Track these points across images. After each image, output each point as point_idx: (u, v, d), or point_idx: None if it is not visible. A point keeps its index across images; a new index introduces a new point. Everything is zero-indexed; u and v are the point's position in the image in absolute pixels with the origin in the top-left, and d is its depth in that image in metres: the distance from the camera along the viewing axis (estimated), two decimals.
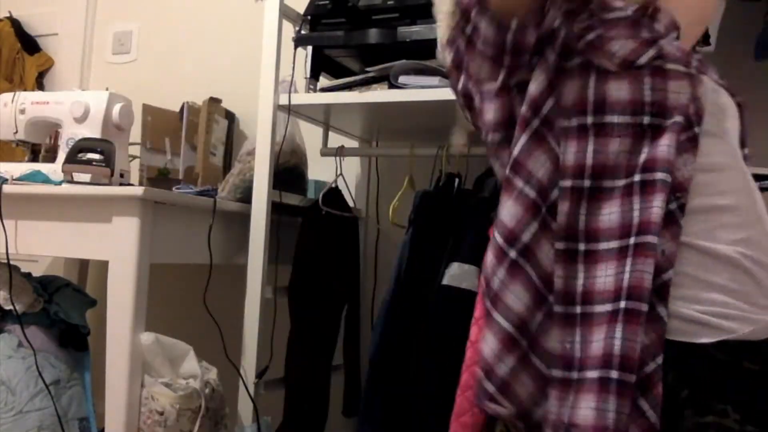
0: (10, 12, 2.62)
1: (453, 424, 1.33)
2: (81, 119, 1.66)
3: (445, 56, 1.02)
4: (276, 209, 1.66)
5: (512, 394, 0.87)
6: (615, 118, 0.86)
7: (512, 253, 0.87)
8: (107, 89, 1.70)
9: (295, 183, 1.80)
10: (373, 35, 1.55)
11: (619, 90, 0.86)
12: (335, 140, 1.92)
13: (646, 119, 0.86)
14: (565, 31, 0.88)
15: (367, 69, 1.59)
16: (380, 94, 1.54)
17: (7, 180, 1.57)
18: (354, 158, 2.08)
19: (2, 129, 1.79)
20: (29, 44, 2.59)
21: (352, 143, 2.03)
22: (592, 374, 0.82)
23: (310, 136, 1.93)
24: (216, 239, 1.61)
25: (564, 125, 0.88)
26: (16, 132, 1.77)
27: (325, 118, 1.82)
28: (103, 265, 1.48)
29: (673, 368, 0.81)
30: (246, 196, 1.68)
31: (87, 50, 2.57)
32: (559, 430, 0.84)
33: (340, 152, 1.76)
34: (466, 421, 1.31)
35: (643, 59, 0.86)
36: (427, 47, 1.51)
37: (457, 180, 1.56)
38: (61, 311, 1.68)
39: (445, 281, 1.42)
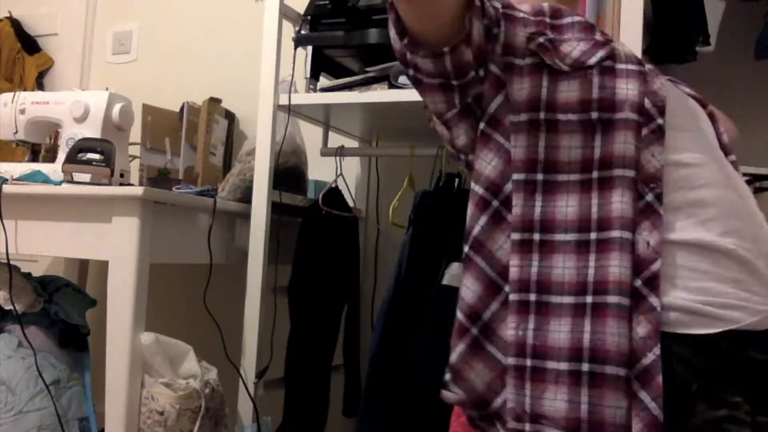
0: (10, 12, 2.62)
1: (453, 423, 1.33)
2: (81, 119, 1.66)
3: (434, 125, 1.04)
4: (276, 209, 1.66)
5: (463, 381, 0.90)
6: (565, 116, 0.89)
7: (465, 248, 0.92)
8: (107, 89, 1.70)
9: (295, 183, 1.80)
10: (373, 35, 1.55)
11: (569, 90, 0.89)
12: (335, 140, 1.92)
13: (594, 114, 0.88)
14: (506, 33, 0.91)
15: (367, 69, 1.59)
16: (380, 94, 1.54)
17: (7, 180, 1.57)
18: (354, 158, 2.08)
19: (2, 129, 1.79)
20: (29, 44, 2.59)
21: (352, 143, 2.03)
22: (558, 366, 0.83)
23: (310, 136, 1.93)
24: (216, 239, 1.61)
25: (514, 120, 0.90)
26: (16, 132, 1.77)
27: (325, 118, 1.82)
28: (103, 265, 1.48)
29: (680, 361, 0.81)
30: (246, 196, 1.68)
31: (87, 50, 2.57)
32: (522, 419, 0.85)
33: (340, 152, 1.76)
34: (467, 421, 1.32)
35: (592, 60, 0.89)
36: None
37: (457, 180, 1.56)
38: (61, 311, 1.68)
39: (445, 281, 1.42)
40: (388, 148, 2.04)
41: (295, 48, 1.66)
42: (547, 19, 0.94)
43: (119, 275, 1.44)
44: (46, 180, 1.61)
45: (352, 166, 2.08)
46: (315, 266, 1.69)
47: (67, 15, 2.60)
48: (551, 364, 0.84)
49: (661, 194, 0.86)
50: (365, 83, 1.59)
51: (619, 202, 0.84)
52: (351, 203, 1.88)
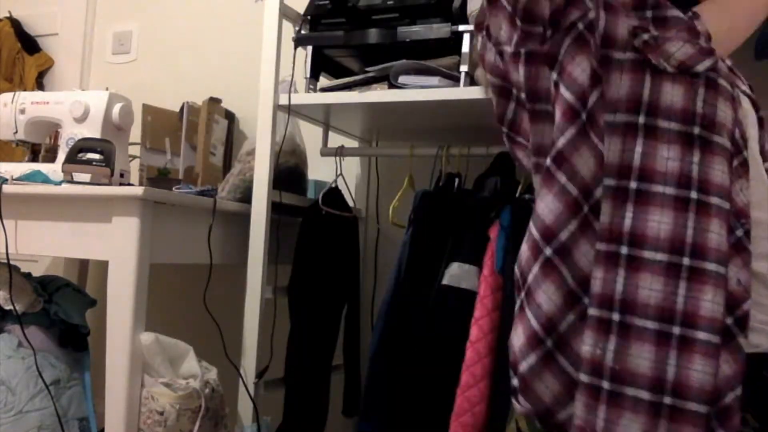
0: (10, 12, 2.62)
1: (453, 424, 1.33)
2: (81, 119, 1.66)
3: (477, 40, 1.00)
4: (276, 209, 1.66)
5: (531, 391, 0.85)
6: (667, 123, 0.83)
7: (547, 251, 0.84)
8: (107, 89, 1.70)
9: (295, 183, 1.80)
10: (373, 35, 1.54)
11: (673, 95, 0.83)
12: (335, 140, 1.92)
13: (696, 129, 0.82)
14: (606, 22, 0.84)
15: (367, 69, 1.59)
16: (380, 94, 1.54)
17: (7, 180, 1.57)
18: (354, 158, 2.08)
19: (2, 129, 1.79)
20: (29, 44, 2.59)
21: (352, 143, 2.03)
22: (638, 393, 0.79)
23: (310, 136, 1.93)
24: (216, 239, 1.61)
25: (609, 120, 0.84)
26: (16, 132, 1.77)
27: (325, 118, 1.82)
28: (103, 265, 1.48)
29: None
30: (246, 196, 1.68)
31: (87, 50, 2.57)
32: None
33: (340, 152, 1.76)
34: (466, 421, 1.32)
35: (701, 67, 0.84)
36: (427, 47, 1.51)
37: (457, 180, 1.56)
38: (61, 311, 1.68)
39: (445, 281, 1.42)
40: (388, 148, 2.04)
41: (295, 48, 1.66)
42: (649, 13, 0.87)
43: (119, 275, 1.44)
44: (46, 180, 1.61)
45: (352, 166, 2.08)
46: (315, 266, 1.69)
47: (67, 15, 2.60)
48: (630, 391, 0.80)
49: (750, 231, 0.83)
50: (365, 83, 1.59)
51: (717, 234, 0.80)
52: (351, 203, 1.88)
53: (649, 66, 0.83)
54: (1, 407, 1.52)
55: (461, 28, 1.46)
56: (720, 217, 0.81)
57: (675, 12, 0.88)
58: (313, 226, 1.69)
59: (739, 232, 0.83)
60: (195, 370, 1.48)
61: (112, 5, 2.56)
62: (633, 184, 0.83)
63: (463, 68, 1.46)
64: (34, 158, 1.95)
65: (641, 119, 0.83)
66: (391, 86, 1.54)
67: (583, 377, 0.82)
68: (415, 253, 1.50)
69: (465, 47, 1.45)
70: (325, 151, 1.83)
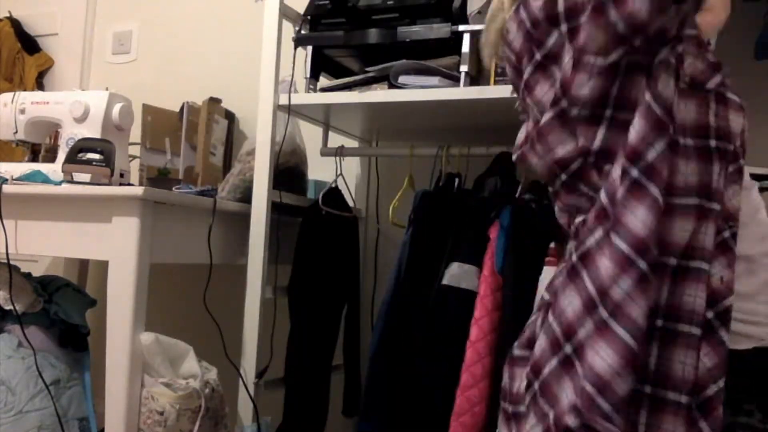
0: (10, 12, 2.62)
1: (453, 424, 1.33)
2: (81, 119, 1.66)
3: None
4: (276, 209, 1.66)
5: (624, 413, 0.82)
6: (683, 140, 0.84)
7: (642, 265, 0.81)
8: (107, 89, 1.70)
9: (295, 183, 1.80)
10: (373, 35, 1.55)
11: (687, 111, 0.84)
12: (335, 140, 1.92)
13: (713, 143, 0.85)
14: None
15: (367, 69, 1.59)
16: (380, 94, 1.54)
17: (7, 180, 1.57)
18: (354, 158, 2.08)
19: (2, 129, 1.79)
20: (29, 44, 2.59)
21: (352, 143, 2.03)
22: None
23: (310, 136, 1.93)
24: (216, 239, 1.61)
25: None
26: (16, 132, 1.77)
27: (325, 118, 1.82)
28: (103, 265, 1.48)
29: None
30: (246, 196, 1.68)
31: (87, 50, 2.57)
32: None
33: (340, 152, 1.76)
34: (466, 421, 1.32)
35: (711, 84, 0.85)
36: (427, 47, 1.51)
37: (457, 180, 1.56)
38: (61, 311, 1.68)
39: (445, 281, 1.42)
40: (388, 148, 2.04)
41: (295, 48, 1.66)
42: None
43: (119, 275, 1.44)
44: (46, 180, 1.61)
45: (352, 166, 2.08)
46: (315, 266, 1.69)
47: (67, 15, 2.60)
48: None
49: (737, 234, 0.85)
50: (365, 83, 1.59)
51: (704, 234, 0.83)
52: (351, 203, 1.88)
53: (677, 81, 0.85)
54: (1, 407, 1.52)
55: (461, 28, 1.46)
56: (713, 220, 0.83)
57: (690, 30, 0.88)
58: (313, 226, 1.69)
59: (726, 234, 0.85)
60: (195, 370, 1.48)
61: (112, 5, 2.56)
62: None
63: (463, 68, 1.46)
64: (34, 158, 1.95)
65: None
66: (391, 86, 1.54)
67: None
68: (415, 253, 1.50)
69: (465, 47, 1.45)
70: (325, 151, 1.83)
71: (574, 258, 0.89)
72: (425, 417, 1.39)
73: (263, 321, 1.62)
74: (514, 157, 1.01)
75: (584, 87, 0.89)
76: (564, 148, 0.91)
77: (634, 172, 0.84)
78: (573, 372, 0.85)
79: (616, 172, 0.87)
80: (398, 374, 1.45)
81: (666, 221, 0.84)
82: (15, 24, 2.58)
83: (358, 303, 1.85)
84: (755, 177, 1.37)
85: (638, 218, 0.83)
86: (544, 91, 0.94)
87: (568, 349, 0.87)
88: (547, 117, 0.93)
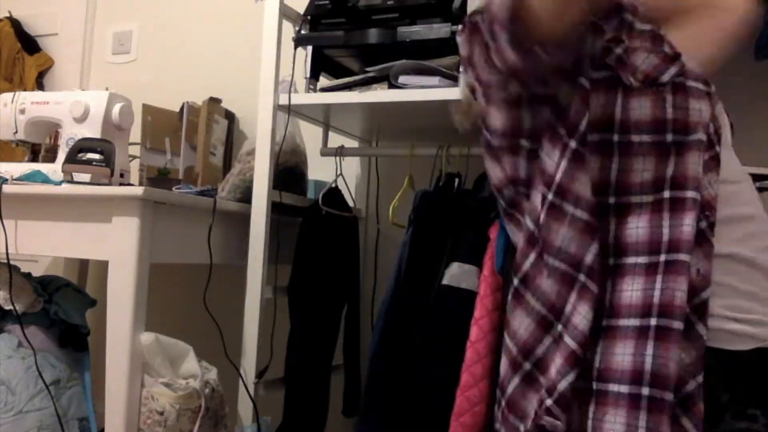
0: (10, 12, 2.62)
1: (453, 424, 1.33)
2: (81, 119, 1.66)
3: (459, 40, 1.00)
4: (276, 209, 1.66)
5: (569, 408, 0.85)
6: (639, 137, 0.85)
7: (581, 277, 0.85)
8: (107, 89, 1.70)
9: (295, 183, 1.80)
10: (373, 35, 1.54)
11: (642, 108, 0.85)
12: (335, 140, 1.92)
13: (669, 137, 0.85)
14: (592, 43, 0.86)
15: (367, 69, 1.59)
16: (380, 94, 1.54)
17: (7, 180, 1.57)
18: (354, 158, 2.08)
19: (2, 129, 1.79)
20: (29, 44, 2.59)
21: (352, 143, 2.03)
22: (619, 388, 0.81)
23: (310, 136, 1.93)
24: (216, 239, 1.61)
25: (590, 139, 0.86)
26: (16, 132, 1.77)
27: (325, 118, 1.82)
28: (103, 265, 1.48)
29: (714, 374, 0.82)
30: (246, 196, 1.68)
31: (87, 50, 2.57)
32: None
33: (340, 152, 1.76)
34: (466, 421, 1.32)
35: (665, 77, 0.85)
36: (427, 47, 1.51)
37: (457, 180, 1.56)
38: (61, 311, 1.68)
39: (445, 281, 1.42)
40: (388, 148, 2.04)
41: (295, 48, 1.66)
42: (628, 17, 0.88)
43: (119, 275, 1.44)
44: (46, 180, 1.61)
45: (352, 166, 2.08)
46: (315, 266, 1.69)
47: (67, 15, 2.60)
48: (612, 387, 0.82)
49: (714, 224, 0.85)
50: (365, 83, 1.59)
51: (689, 225, 0.82)
52: (351, 203, 1.88)
53: (620, 83, 0.86)
54: (1, 407, 1.52)
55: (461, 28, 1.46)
56: (694, 209, 0.83)
57: (642, 25, 0.89)
58: (313, 226, 1.69)
59: (703, 224, 0.85)
60: (195, 370, 1.48)
61: (112, 5, 2.56)
62: (612, 199, 0.86)
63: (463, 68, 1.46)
64: (34, 158, 1.95)
65: (615, 137, 0.86)
66: (391, 86, 1.54)
67: (578, 383, 0.85)
68: (415, 253, 1.50)
69: None
70: (325, 151, 1.83)
71: (515, 282, 0.92)
72: (425, 417, 1.39)
73: (263, 321, 1.61)
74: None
75: (495, 118, 0.92)
76: (497, 177, 0.95)
77: (550, 196, 0.87)
78: (537, 386, 0.88)
79: (537, 198, 0.89)
80: (398, 374, 1.45)
81: (623, 221, 0.85)
82: (15, 24, 2.58)
83: (358, 303, 1.85)
84: (756, 177, 1.38)
85: (562, 237, 0.86)
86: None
87: (527, 366, 0.90)
88: (482, 146, 0.97)
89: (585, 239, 0.85)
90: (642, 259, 0.84)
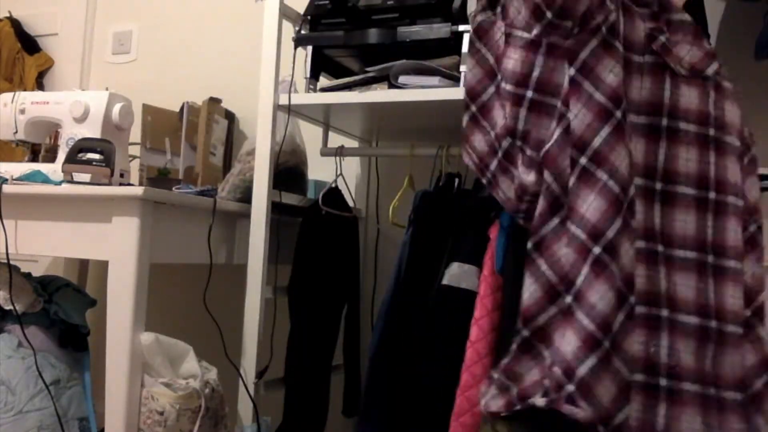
0: (10, 12, 2.62)
1: (453, 424, 1.33)
2: (81, 119, 1.66)
3: None
4: (276, 209, 1.66)
5: (592, 396, 0.83)
6: (687, 126, 0.85)
7: (596, 250, 0.83)
8: (107, 89, 1.70)
9: (295, 183, 1.80)
10: (373, 35, 1.55)
11: (690, 97, 0.85)
12: (335, 140, 1.92)
13: (711, 131, 0.86)
14: (625, 26, 0.86)
15: (367, 69, 1.59)
16: (380, 94, 1.54)
17: (7, 180, 1.57)
18: (354, 158, 2.08)
19: (2, 129, 1.79)
20: (29, 44, 2.59)
21: (352, 143, 2.03)
22: (690, 387, 0.82)
23: (310, 136, 1.93)
24: (216, 239, 1.61)
25: (633, 121, 0.86)
26: (16, 132, 1.77)
27: (325, 118, 1.82)
28: (103, 265, 1.48)
29: None
30: (246, 196, 1.68)
31: (87, 50, 2.57)
32: None
33: (340, 152, 1.76)
34: (466, 421, 1.32)
35: (710, 70, 0.87)
36: (427, 47, 1.51)
37: (457, 180, 1.56)
38: (61, 311, 1.68)
39: (445, 281, 1.42)
40: (388, 148, 2.04)
41: (295, 48, 1.66)
42: (661, 15, 0.89)
43: (119, 275, 1.44)
44: (46, 180, 1.61)
45: (352, 166, 2.08)
46: (315, 266, 1.69)
47: (67, 15, 2.60)
48: (687, 386, 0.82)
49: (762, 227, 0.85)
50: (365, 83, 1.59)
51: (734, 231, 0.83)
52: (351, 203, 1.88)
53: (668, 69, 0.86)
54: (1, 407, 1.52)
55: (461, 28, 1.46)
56: (737, 214, 0.83)
57: (680, 15, 0.89)
58: (313, 226, 1.69)
59: (753, 228, 0.86)
60: (195, 370, 1.48)
61: (112, 5, 2.56)
62: (659, 185, 0.86)
63: (463, 68, 1.46)
64: (34, 158, 1.95)
65: (664, 121, 0.85)
66: (391, 86, 1.54)
67: (639, 377, 0.84)
68: (415, 253, 1.50)
69: (465, 47, 1.45)
70: (325, 151, 1.83)
71: (529, 245, 0.90)
72: (425, 417, 1.39)
73: (263, 321, 1.62)
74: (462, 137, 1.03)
75: (510, 60, 0.91)
76: (499, 124, 0.94)
77: (583, 160, 0.85)
78: (535, 353, 0.87)
79: (564, 162, 0.87)
80: (398, 374, 1.45)
81: (670, 210, 0.85)
82: (15, 24, 2.58)
83: (358, 303, 1.86)
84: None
85: (589, 204, 0.84)
86: (477, 76, 1.00)
87: (525, 333, 0.89)
88: (490, 91, 0.95)
89: (611, 212, 0.83)
90: (691, 255, 0.84)
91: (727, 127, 0.85)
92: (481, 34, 0.99)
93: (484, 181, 0.99)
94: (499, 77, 0.94)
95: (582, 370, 0.83)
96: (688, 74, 0.86)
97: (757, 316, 0.83)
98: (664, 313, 0.83)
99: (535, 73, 0.90)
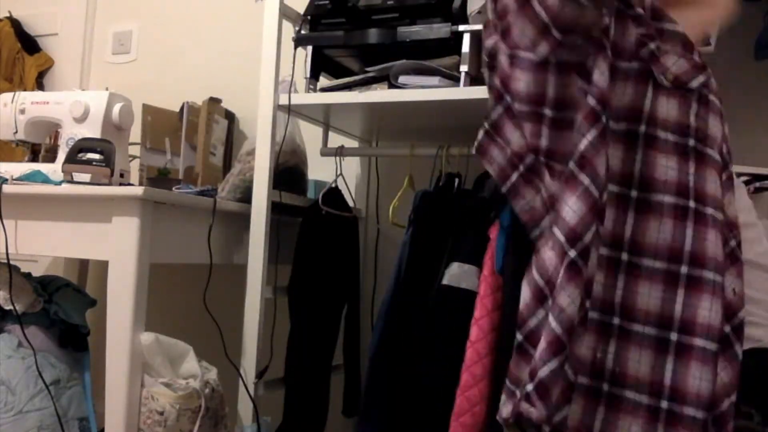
0: (10, 12, 2.62)
1: (453, 424, 1.33)
2: (81, 119, 1.66)
3: (486, 7, 0.99)
4: (276, 209, 1.66)
5: (548, 397, 0.84)
6: (665, 135, 0.85)
7: (572, 253, 0.83)
8: (107, 89, 1.70)
9: (295, 183, 1.80)
10: (373, 35, 1.55)
11: (669, 108, 0.85)
12: (335, 140, 1.92)
13: (691, 142, 0.84)
14: (615, 31, 0.86)
15: (367, 69, 1.59)
16: (380, 94, 1.54)
17: (7, 180, 1.57)
18: (354, 158, 2.08)
19: (2, 129, 1.79)
20: (29, 44, 2.59)
21: (352, 143, 2.03)
22: (636, 397, 0.81)
23: (310, 136, 1.93)
24: (216, 239, 1.61)
25: (613, 127, 0.85)
26: (16, 132, 1.77)
27: (325, 118, 1.82)
28: (103, 265, 1.48)
29: None
30: (246, 196, 1.68)
31: (87, 50, 2.57)
32: None
33: (340, 152, 1.76)
34: (466, 421, 1.32)
35: (694, 83, 0.86)
36: (427, 47, 1.51)
37: (457, 180, 1.56)
38: (61, 311, 1.68)
39: (445, 281, 1.42)
40: (388, 148, 2.04)
41: (295, 48, 1.66)
42: (649, 16, 0.88)
43: (119, 275, 1.44)
44: (46, 180, 1.61)
45: (352, 166, 2.08)
46: (315, 266, 1.69)
47: (67, 15, 2.60)
48: (630, 394, 0.81)
49: (740, 243, 0.85)
50: (365, 83, 1.59)
51: (714, 243, 0.81)
52: (351, 203, 1.88)
53: (652, 77, 0.85)
54: (1, 407, 1.52)
55: (461, 28, 1.46)
56: (717, 227, 0.82)
57: (672, 25, 0.89)
58: (313, 226, 1.69)
59: (733, 243, 0.85)
60: (195, 370, 1.48)
61: (112, 5, 2.56)
62: (633, 192, 0.85)
63: (463, 68, 1.46)
64: (34, 158, 1.95)
65: (642, 128, 0.85)
66: (391, 86, 1.54)
67: (582, 379, 0.84)
68: (415, 253, 1.50)
69: (465, 47, 1.45)
70: (325, 151, 1.83)
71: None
72: (425, 417, 1.39)
73: (263, 321, 1.62)
74: (474, 150, 1.03)
75: (520, 82, 0.90)
76: (517, 143, 0.93)
77: (570, 164, 0.86)
78: (528, 358, 0.87)
79: (558, 167, 0.89)
80: (398, 374, 1.45)
81: (643, 218, 0.84)
82: (15, 24, 2.58)
83: (358, 303, 1.85)
84: (756, 177, 1.38)
85: (570, 207, 0.84)
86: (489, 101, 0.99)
87: (519, 337, 0.90)
88: (498, 111, 0.95)
89: (589, 217, 0.83)
90: (660, 265, 0.83)
91: (709, 140, 0.85)
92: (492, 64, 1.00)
93: (503, 189, 0.98)
94: (508, 98, 0.94)
95: (543, 372, 0.83)
96: (670, 86, 0.85)
97: (736, 333, 0.82)
98: (615, 321, 0.83)
99: (551, 94, 0.89)
